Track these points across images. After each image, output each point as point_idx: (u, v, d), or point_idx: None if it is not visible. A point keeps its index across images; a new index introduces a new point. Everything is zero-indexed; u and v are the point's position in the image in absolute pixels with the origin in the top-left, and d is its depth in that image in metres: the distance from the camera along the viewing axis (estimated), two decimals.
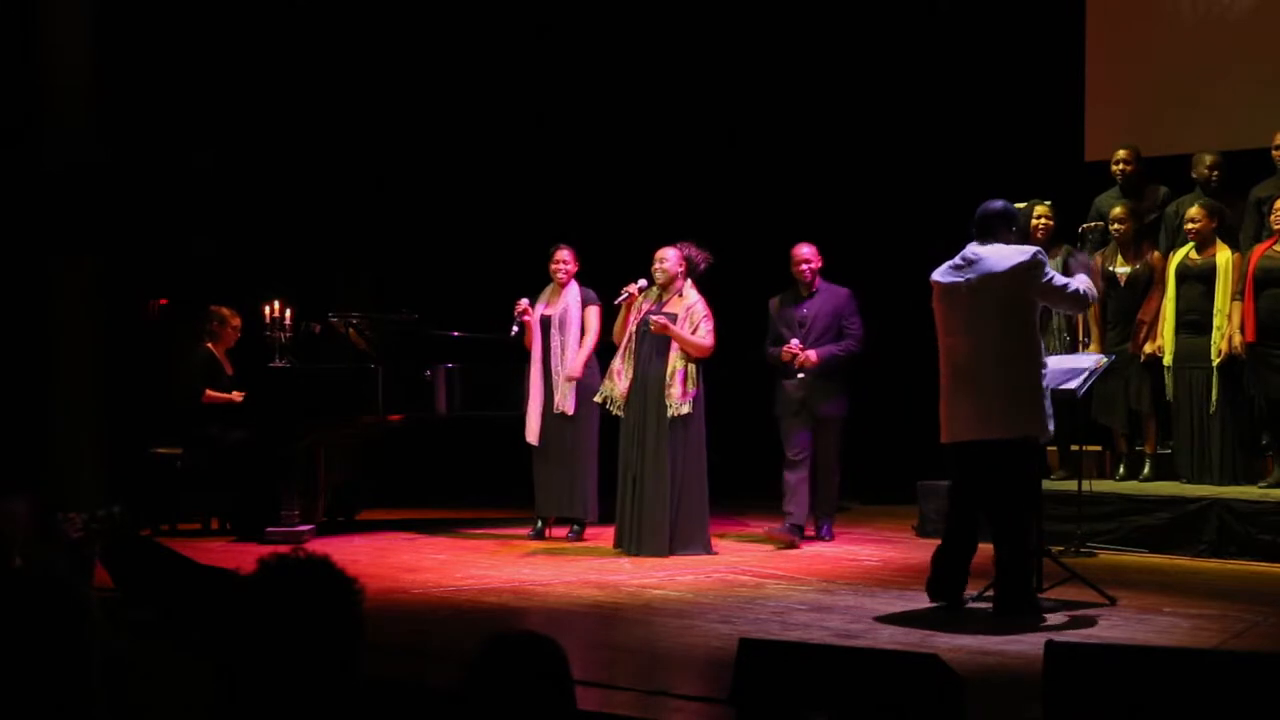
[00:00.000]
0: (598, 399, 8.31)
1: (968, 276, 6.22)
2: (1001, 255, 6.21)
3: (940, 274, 6.37)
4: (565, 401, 8.57)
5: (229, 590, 2.17)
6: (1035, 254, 6.22)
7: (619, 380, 8.19)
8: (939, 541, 6.44)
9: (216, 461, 9.06)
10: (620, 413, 8.21)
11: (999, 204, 6.40)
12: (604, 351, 8.74)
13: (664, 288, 8.18)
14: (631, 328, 8.18)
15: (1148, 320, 8.49)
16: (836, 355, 8.52)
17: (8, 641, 2.23)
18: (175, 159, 10.11)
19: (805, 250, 8.62)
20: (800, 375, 8.45)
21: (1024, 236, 8.52)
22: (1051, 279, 6.23)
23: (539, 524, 8.81)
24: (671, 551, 7.94)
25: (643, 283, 8.19)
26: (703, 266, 8.22)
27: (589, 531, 8.73)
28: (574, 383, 8.56)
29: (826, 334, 8.55)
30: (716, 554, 8.06)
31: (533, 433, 8.68)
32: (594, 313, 8.73)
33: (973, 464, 6.22)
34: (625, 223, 10.74)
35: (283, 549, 2.29)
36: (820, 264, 8.65)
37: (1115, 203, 8.70)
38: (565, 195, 11.16)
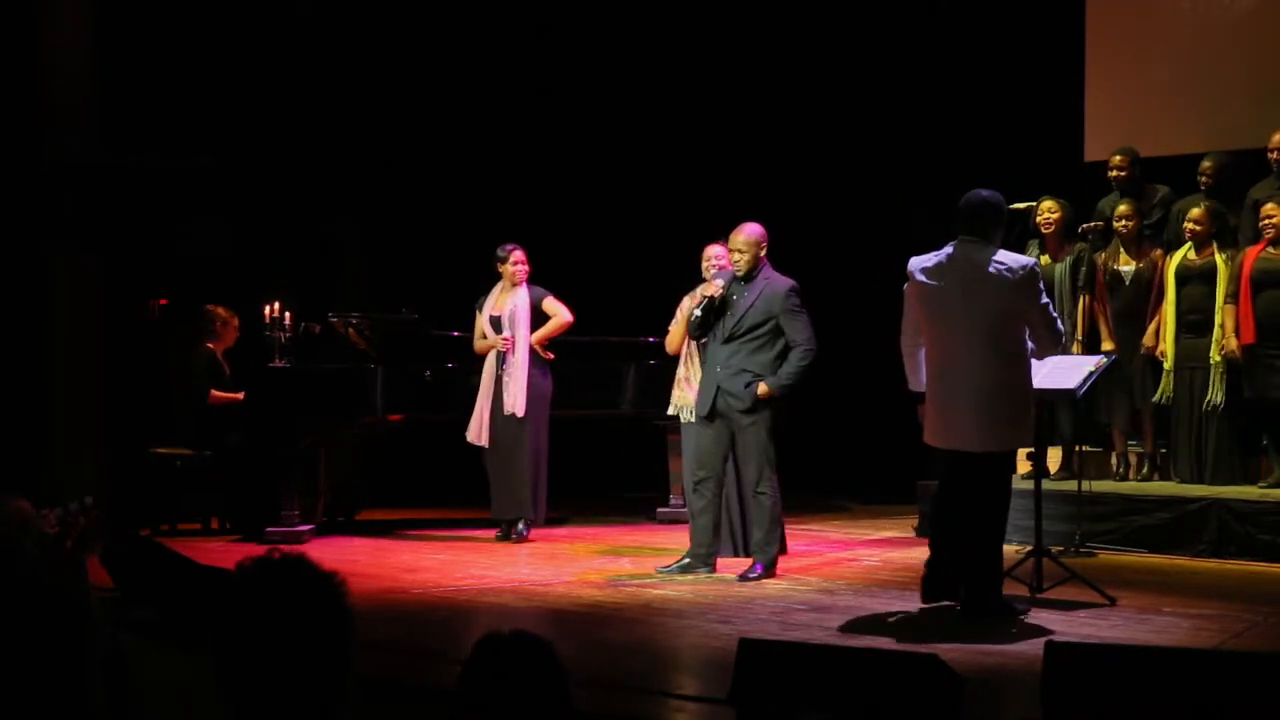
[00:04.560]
0: (671, 410, 7.97)
1: (960, 280, 5.90)
2: (997, 263, 5.88)
3: (924, 271, 5.99)
4: (515, 404, 8.56)
5: (224, 592, 2.16)
6: (1032, 267, 5.95)
7: (689, 388, 7.82)
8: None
9: (217, 461, 9.07)
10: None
11: (986, 194, 6.01)
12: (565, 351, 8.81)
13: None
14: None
15: (1152, 319, 8.46)
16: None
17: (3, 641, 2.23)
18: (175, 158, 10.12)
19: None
20: None
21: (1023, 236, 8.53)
22: (1047, 303, 6.00)
23: (505, 527, 8.75)
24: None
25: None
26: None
27: (536, 533, 8.70)
28: (523, 382, 8.52)
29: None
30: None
31: (473, 432, 8.66)
32: (553, 301, 8.73)
33: (964, 470, 6.01)
34: (624, 223, 10.75)
35: (280, 549, 2.28)
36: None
37: (1118, 202, 8.66)
38: (564, 195, 11.15)
